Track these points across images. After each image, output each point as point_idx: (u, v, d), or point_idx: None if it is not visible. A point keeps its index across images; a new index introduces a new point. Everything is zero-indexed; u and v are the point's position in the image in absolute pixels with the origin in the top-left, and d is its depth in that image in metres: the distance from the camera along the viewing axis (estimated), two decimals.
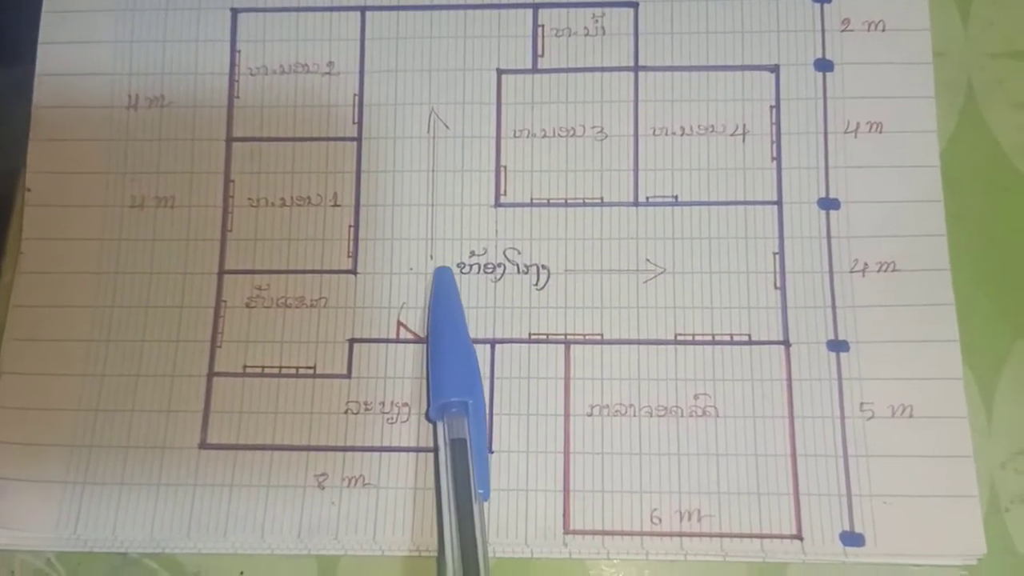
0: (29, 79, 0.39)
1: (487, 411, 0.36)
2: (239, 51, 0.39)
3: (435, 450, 0.35)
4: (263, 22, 0.39)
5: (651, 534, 0.35)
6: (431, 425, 0.36)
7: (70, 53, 0.39)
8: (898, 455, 0.35)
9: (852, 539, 0.34)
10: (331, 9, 0.39)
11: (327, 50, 0.39)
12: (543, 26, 0.39)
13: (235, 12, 0.39)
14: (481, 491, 0.33)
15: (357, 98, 0.39)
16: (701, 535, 0.35)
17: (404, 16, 0.39)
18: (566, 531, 0.35)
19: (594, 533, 0.35)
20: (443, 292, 0.37)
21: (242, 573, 0.35)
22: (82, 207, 0.38)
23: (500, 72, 0.39)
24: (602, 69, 0.39)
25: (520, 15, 0.39)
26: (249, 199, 0.38)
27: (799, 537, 0.34)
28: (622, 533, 0.35)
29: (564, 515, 0.35)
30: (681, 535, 0.35)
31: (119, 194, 0.38)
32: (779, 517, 0.35)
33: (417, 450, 0.36)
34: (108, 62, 0.39)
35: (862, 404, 0.35)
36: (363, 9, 0.39)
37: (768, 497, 0.35)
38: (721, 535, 0.35)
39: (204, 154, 0.39)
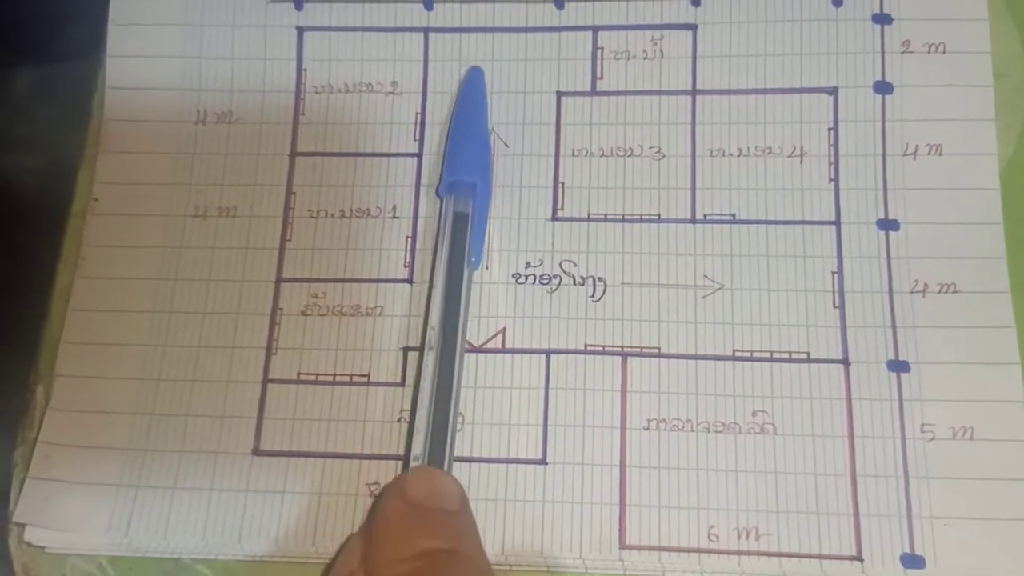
0: (80, 77, 0.41)
1: (543, 415, 0.36)
2: (305, 69, 0.40)
3: (438, 224, 0.37)
4: (328, 41, 0.40)
5: (708, 551, 0.34)
6: (439, 201, 0.38)
7: (138, 67, 0.40)
8: (959, 477, 0.34)
9: (913, 561, 0.33)
10: (395, 30, 0.40)
11: (391, 70, 0.40)
12: (602, 48, 0.40)
13: (301, 31, 0.40)
14: (474, 259, 0.36)
15: (419, 116, 0.40)
16: (759, 554, 0.34)
17: (466, 38, 0.40)
18: (622, 546, 0.34)
19: (650, 549, 0.34)
20: (473, 88, 0.39)
21: None
22: (146, 216, 0.39)
23: (560, 94, 0.39)
24: (660, 92, 0.39)
25: (580, 38, 0.40)
26: (309, 210, 0.39)
27: (859, 559, 0.34)
28: (679, 550, 0.34)
29: (620, 530, 0.34)
30: (739, 553, 0.34)
31: (183, 204, 0.39)
32: (839, 538, 0.34)
33: (471, 460, 0.35)
34: (177, 78, 0.40)
35: (923, 425, 0.35)
36: (426, 30, 0.40)
37: (827, 517, 0.34)
38: (780, 555, 0.34)
39: (268, 168, 0.39)
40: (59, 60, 0.43)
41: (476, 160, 0.38)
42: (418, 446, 0.33)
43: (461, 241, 0.36)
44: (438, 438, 0.33)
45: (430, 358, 0.34)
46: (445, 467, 0.33)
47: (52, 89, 0.43)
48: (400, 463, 0.35)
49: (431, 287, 0.37)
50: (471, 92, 0.39)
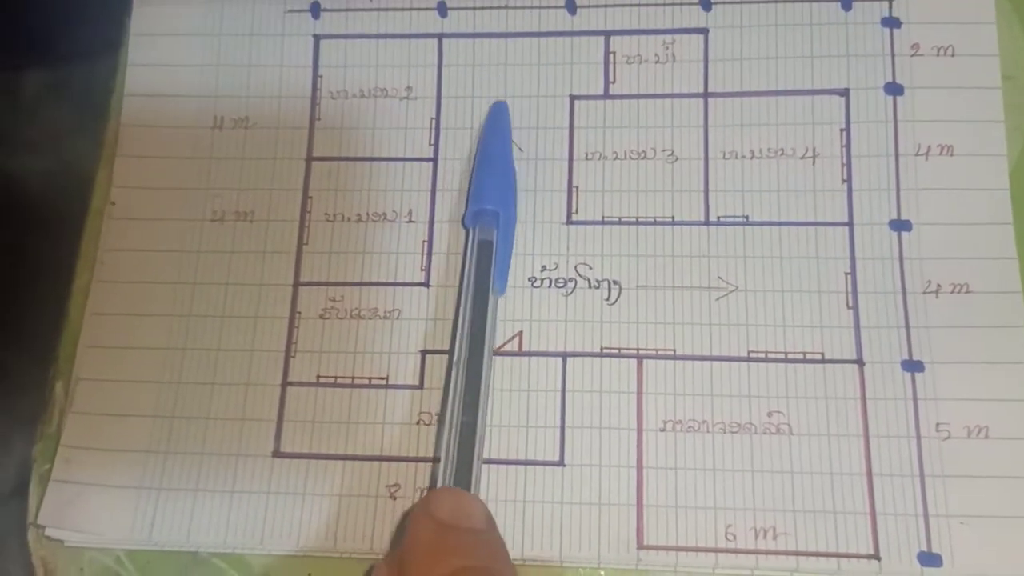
0: (97, 78, 0.41)
1: (560, 417, 0.36)
2: (321, 76, 0.41)
3: (463, 253, 0.38)
4: (344, 48, 0.41)
5: (726, 551, 0.34)
6: (465, 231, 0.38)
7: (158, 75, 0.41)
8: (975, 475, 0.34)
9: (930, 559, 0.34)
10: (410, 36, 0.41)
11: (405, 75, 0.40)
12: (615, 53, 0.40)
13: (317, 38, 0.41)
14: (498, 286, 0.37)
15: (434, 121, 0.40)
16: (776, 553, 0.34)
17: (480, 44, 0.40)
18: (640, 546, 0.34)
19: (668, 549, 0.34)
20: (497, 121, 0.39)
21: (310, 574, 0.35)
22: (164, 220, 0.39)
23: (573, 98, 0.40)
24: (672, 96, 0.39)
25: (592, 42, 0.40)
26: (326, 214, 0.39)
27: (876, 557, 0.34)
28: (696, 549, 0.34)
29: (638, 530, 0.35)
30: (756, 552, 0.34)
31: (201, 209, 0.39)
32: (856, 536, 0.34)
33: (487, 462, 0.36)
34: (195, 85, 0.41)
35: (938, 424, 0.35)
36: (440, 36, 0.41)
37: (844, 516, 0.34)
38: (797, 553, 0.34)
39: (284, 172, 0.40)
40: (75, 61, 0.44)
41: (500, 190, 0.38)
42: (444, 468, 0.33)
43: (486, 270, 0.36)
44: (464, 460, 0.33)
45: (457, 376, 0.34)
46: (472, 488, 0.33)
47: (68, 89, 0.44)
48: (419, 464, 0.36)
49: (458, 306, 0.37)
50: (495, 125, 0.39)
